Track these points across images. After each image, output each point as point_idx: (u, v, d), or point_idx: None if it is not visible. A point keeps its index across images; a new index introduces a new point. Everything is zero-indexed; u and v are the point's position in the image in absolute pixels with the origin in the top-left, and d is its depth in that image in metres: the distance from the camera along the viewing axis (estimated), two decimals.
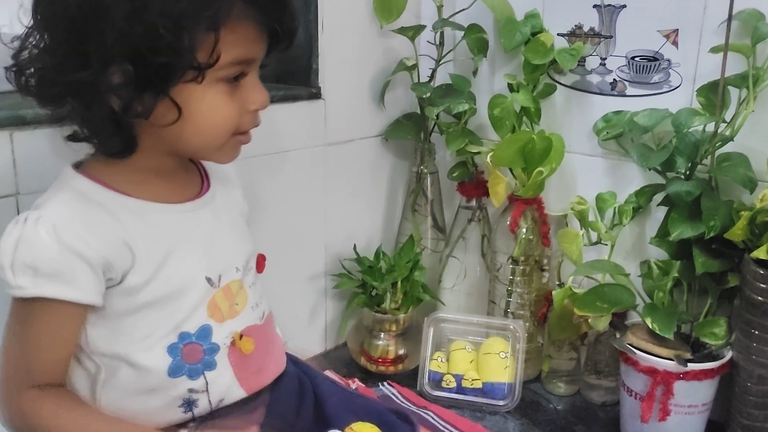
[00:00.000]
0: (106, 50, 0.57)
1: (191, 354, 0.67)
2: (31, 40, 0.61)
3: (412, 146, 1.23)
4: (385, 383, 1.10)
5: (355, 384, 1.09)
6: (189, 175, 0.73)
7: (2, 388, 0.64)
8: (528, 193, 1.08)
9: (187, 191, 0.71)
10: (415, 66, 1.16)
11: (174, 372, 0.66)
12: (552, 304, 1.07)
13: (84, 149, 0.68)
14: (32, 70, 0.62)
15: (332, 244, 1.18)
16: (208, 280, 0.68)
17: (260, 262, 0.77)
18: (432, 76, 1.18)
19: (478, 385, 1.08)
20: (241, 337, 0.70)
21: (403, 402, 1.06)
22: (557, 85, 1.10)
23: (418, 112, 1.20)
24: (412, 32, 1.13)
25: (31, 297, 0.60)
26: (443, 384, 1.09)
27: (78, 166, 0.67)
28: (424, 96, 1.13)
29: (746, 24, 0.91)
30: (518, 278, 1.11)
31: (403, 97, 1.23)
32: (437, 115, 1.15)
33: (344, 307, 1.19)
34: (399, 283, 1.13)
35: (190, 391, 0.67)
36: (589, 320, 0.99)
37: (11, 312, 0.64)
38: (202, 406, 0.68)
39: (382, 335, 1.15)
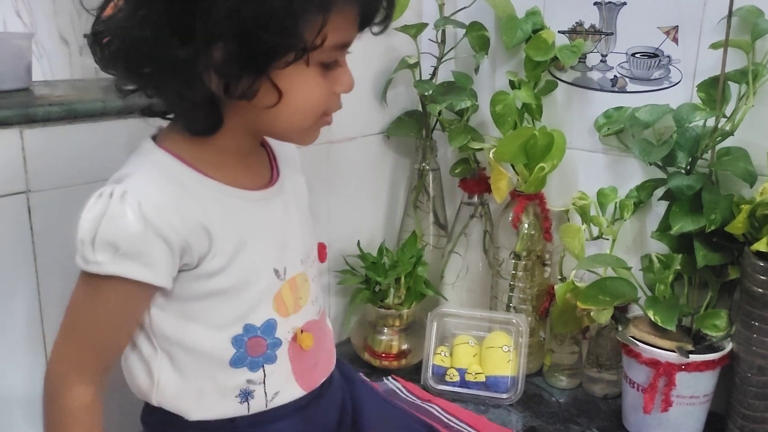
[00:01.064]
0: (213, 25, 0.54)
1: (255, 347, 0.67)
2: (122, 9, 0.58)
3: (413, 143, 1.24)
4: (389, 378, 1.11)
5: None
6: (261, 159, 0.72)
7: (56, 367, 0.63)
8: (530, 188, 1.09)
9: (260, 177, 0.70)
10: (416, 64, 1.17)
11: (236, 363, 0.66)
12: (554, 298, 1.08)
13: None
14: (122, 41, 0.58)
15: (335, 241, 1.19)
16: (276, 272, 0.68)
17: (321, 251, 0.77)
18: (434, 74, 1.19)
19: (482, 378, 1.09)
20: (302, 332, 0.70)
21: (407, 396, 1.07)
22: (558, 81, 1.11)
23: (420, 109, 1.21)
24: (415, 30, 1.14)
25: (106, 274, 0.59)
26: (447, 378, 1.10)
27: (155, 138, 0.66)
28: (426, 93, 1.15)
29: (745, 20, 0.92)
30: (520, 273, 1.12)
31: (405, 95, 1.24)
32: (440, 113, 1.16)
33: (347, 303, 1.19)
34: (402, 278, 1.14)
35: (249, 381, 0.67)
36: (592, 314, 1.00)
37: (79, 289, 0.62)
38: (258, 398, 0.68)
39: (385, 330, 1.16)
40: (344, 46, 0.64)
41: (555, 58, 1.08)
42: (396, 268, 1.14)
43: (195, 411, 0.67)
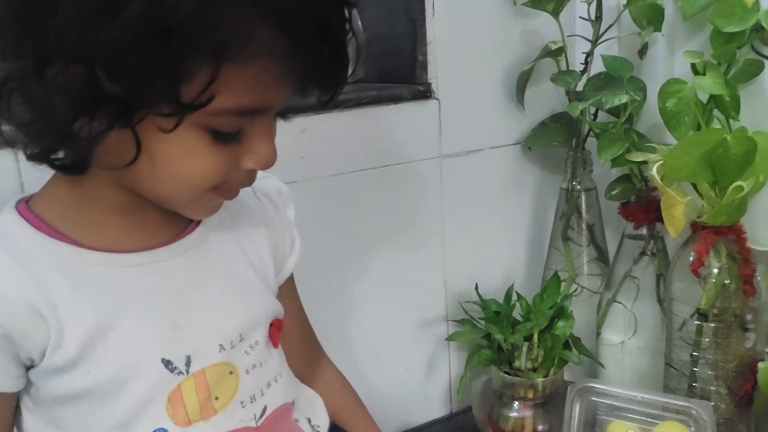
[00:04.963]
0: (45, 44, 0.40)
1: None
2: None
3: (562, 157, 0.94)
4: None
5: None
6: (173, 213, 0.52)
7: None
8: (720, 218, 0.75)
9: (159, 233, 0.51)
10: (561, 50, 0.88)
11: None
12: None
13: None
14: None
15: (455, 282, 0.93)
16: (167, 363, 0.48)
17: (274, 333, 0.56)
18: (587, 62, 0.89)
19: None
20: None
21: None
22: (765, 61, 0.76)
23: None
24: (554, 4, 0.85)
25: None
26: None
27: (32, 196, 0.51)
28: (569, 88, 0.85)
29: None
30: (708, 339, 0.78)
31: (551, 94, 0.96)
32: (594, 114, 0.86)
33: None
34: (535, 336, 0.86)
35: None
36: None
37: None
38: None
39: (515, 404, 0.88)
40: (256, 112, 0.44)
41: (759, 28, 0.73)
42: (528, 321, 0.86)
43: None
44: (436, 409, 0.97)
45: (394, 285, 0.89)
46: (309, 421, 0.61)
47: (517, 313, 0.90)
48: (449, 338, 0.92)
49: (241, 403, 0.52)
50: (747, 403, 0.77)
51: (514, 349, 0.87)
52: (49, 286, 0.46)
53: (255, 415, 0.53)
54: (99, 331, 0.46)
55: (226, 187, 0.48)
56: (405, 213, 0.88)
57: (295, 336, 0.66)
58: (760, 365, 0.72)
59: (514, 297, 0.90)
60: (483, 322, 0.89)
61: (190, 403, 0.49)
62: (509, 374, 0.87)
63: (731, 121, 0.77)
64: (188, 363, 0.49)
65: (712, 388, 0.79)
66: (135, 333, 0.48)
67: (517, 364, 0.88)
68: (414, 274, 0.91)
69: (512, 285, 0.90)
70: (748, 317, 0.77)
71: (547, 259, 0.97)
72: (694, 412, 0.76)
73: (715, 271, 0.76)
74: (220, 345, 0.51)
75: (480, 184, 0.93)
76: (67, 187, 0.49)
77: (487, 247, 0.96)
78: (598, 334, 0.92)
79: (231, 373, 0.51)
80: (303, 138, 0.77)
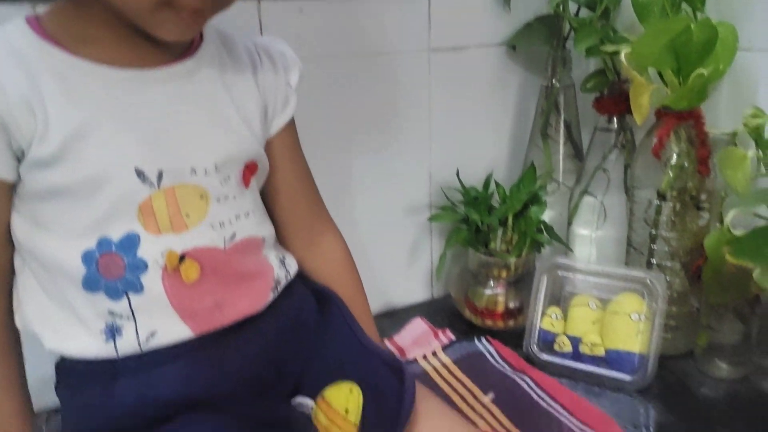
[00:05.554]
0: None
1: (109, 267, 0.53)
2: None
3: (545, 57, 0.99)
4: (483, 338, 0.91)
5: (446, 335, 0.92)
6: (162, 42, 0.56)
7: None
8: (681, 103, 0.80)
9: (149, 58, 0.56)
10: None
11: (89, 285, 0.53)
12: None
13: None
14: None
15: (439, 173, 0.99)
16: (139, 173, 0.53)
17: (247, 175, 0.61)
18: None
19: (600, 352, 0.84)
20: (182, 259, 0.55)
21: (497, 363, 0.86)
22: None
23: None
24: None
25: None
26: (556, 347, 0.86)
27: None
28: None
29: None
30: (665, 218, 0.84)
31: None
32: (576, 13, 0.91)
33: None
34: (510, 219, 0.92)
35: (111, 314, 0.54)
36: (754, 275, 0.71)
37: None
38: (127, 339, 0.54)
39: (490, 282, 0.95)
40: None
41: None
42: (504, 206, 0.93)
43: (51, 340, 0.55)
44: (417, 293, 1.04)
45: (380, 172, 0.95)
46: (281, 260, 0.65)
47: (495, 202, 0.97)
48: (431, 219, 0.99)
49: (211, 225, 0.57)
50: (698, 277, 0.84)
51: (490, 230, 0.93)
52: (42, 87, 0.51)
53: (224, 238, 0.58)
54: (81, 131, 0.51)
55: (178, 4, 0.50)
56: (393, 103, 0.94)
57: (299, 194, 0.70)
58: (706, 238, 0.78)
59: (493, 186, 0.96)
60: (463, 206, 0.95)
61: (160, 214, 0.54)
62: (486, 255, 0.93)
63: (697, 13, 0.82)
64: (160, 177, 0.54)
65: (668, 264, 0.85)
66: (113, 140, 0.53)
67: (492, 246, 0.94)
68: (400, 162, 0.97)
69: (491, 173, 0.96)
70: (703, 197, 0.83)
71: (526, 154, 1.02)
72: (648, 281, 0.83)
73: (675, 154, 0.82)
74: (193, 168, 0.56)
75: (466, 81, 0.99)
76: (71, 5, 0.54)
77: (470, 142, 1.02)
78: (570, 224, 0.98)
79: (202, 197, 0.56)
80: (299, 18, 0.83)
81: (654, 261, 0.86)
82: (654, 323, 0.82)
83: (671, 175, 0.82)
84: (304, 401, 0.63)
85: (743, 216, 0.76)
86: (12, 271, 0.57)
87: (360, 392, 0.60)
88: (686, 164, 0.82)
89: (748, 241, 0.69)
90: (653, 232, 0.85)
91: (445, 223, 0.98)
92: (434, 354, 0.88)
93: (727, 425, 0.75)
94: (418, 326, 0.94)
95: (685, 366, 0.86)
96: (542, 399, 0.78)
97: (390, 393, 0.61)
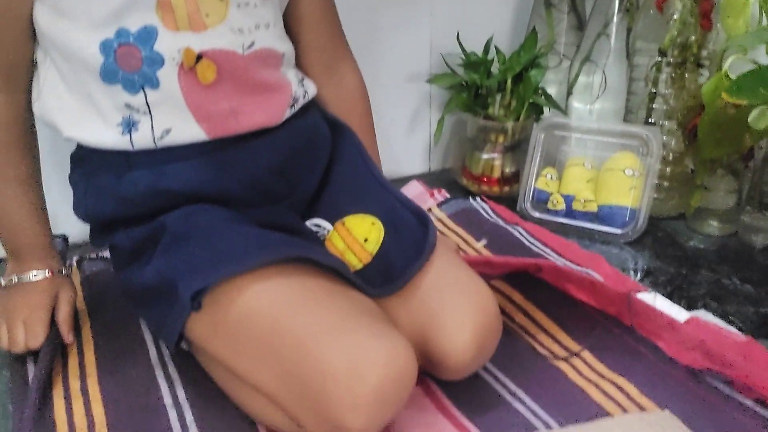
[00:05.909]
0: None
1: (126, 58, 0.54)
2: None
3: None
4: (477, 198, 0.92)
5: (441, 194, 0.93)
6: None
7: None
8: None
9: None
10: None
11: (107, 76, 0.54)
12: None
13: None
14: None
15: (439, 41, 0.99)
16: None
17: None
18: None
19: (593, 207, 0.85)
20: (199, 59, 0.55)
21: (491, 217, 0.87)
22: None
23: None
24: None
25: None
26: (549, 205, 0.88)
27: None
28: None
29: None
30: (665, 76, 0.84)
31: None
32: None
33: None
34: (509, 82, 0.92)
35: (129, 107, 0.56)
36: (749, 119, 0.71)
37: None
38: (143, 133, 0.56)
39: (486, 147, 0.95)
40: None
41: None
42: (503, 68, 0.92)
43: (69, 129, 0.57)
44: (415, 165, 1.05)
45: (382, 41, 0.95)
46: (300, 79, 0.66)
47: (495, 69, 0.96)
48: (430, 80, 0.98)
49: (231, 29, 0.57)
50: (694, 136, 0.84)
51: (489, 94, 0.94)
52: None
53: (243, 44, 0.58)
54: None
55: None
56: None
57: (323, 21, 0.69)
58: (704, 84, 0.78)
59: (493, 51, 0.96)
60: (462, 70, 0.95)
61: (179, 11, 0.55)
62: (484, 119, 0.94)
63: None
64: None
65: (665, 123, 0.86)
66: None
67: (490, 111, 0.95)
68: (402, 32, 0.96)
69: (491, 37, 0.95)
70: (704, 53, 0.83)
71: (528, 24, 1.02)
72: (644, 135, 0.84)
73: (679, 7, 0.82)
74: None
75: None
76: None
77: (472, 12, 1.01)
78: (569, 94, 0.98)
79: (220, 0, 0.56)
80: None
81: (652, 120, 0.86)
82: (647, 177, 0.82)
83: (674, 31, 0.82)
84: (322, 223, 0.65)
85: (741, 64, 0.76)
86: (32, 67, 0.59)
87: (382, 227, 0.61)
88: (690, 19, 0.82)
89: (745, 80, 0.69)
90: (653, 90, 0.85)
91: (444, 88, 0.98)
92: (429, 210, 0.90)
93: (712, 270, 0.77)
94: (414, 187, 0.95)
95: (676, 225, 0.87)
96: (533, 244, 0.80)
97: (409, 232, 0.61)
